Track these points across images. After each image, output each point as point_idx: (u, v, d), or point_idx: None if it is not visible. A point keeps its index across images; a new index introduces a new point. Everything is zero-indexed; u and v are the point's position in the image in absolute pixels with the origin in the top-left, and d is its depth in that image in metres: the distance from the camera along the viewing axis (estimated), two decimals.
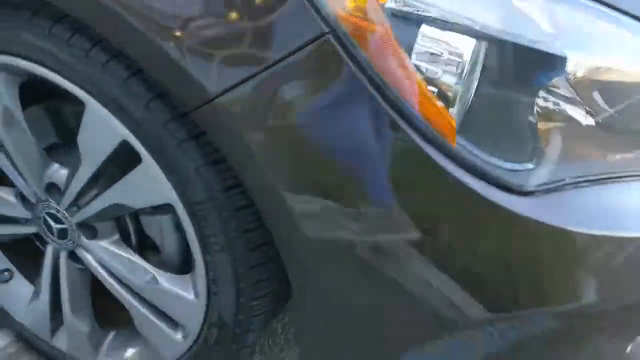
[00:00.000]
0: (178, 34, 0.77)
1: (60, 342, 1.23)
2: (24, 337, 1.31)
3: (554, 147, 0.80)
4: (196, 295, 1.01)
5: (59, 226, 1.08)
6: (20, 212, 1.12)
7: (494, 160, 0.77)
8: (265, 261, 0.96)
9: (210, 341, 1.04)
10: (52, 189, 1.05)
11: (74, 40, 0.88)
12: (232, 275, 0.95)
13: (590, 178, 0.81)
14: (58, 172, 1.04)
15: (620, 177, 0.83)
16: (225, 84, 0.76)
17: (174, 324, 1.08)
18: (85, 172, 0.97)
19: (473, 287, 0.81)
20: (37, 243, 1.20)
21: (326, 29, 0.72)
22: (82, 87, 0.90)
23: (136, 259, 1.06)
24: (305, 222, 0.81)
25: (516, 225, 0.77)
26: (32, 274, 1.26)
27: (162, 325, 1.08)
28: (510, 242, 0.79)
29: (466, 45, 0.73)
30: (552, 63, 0.74)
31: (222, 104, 0.77)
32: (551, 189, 0.80)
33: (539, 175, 0.80)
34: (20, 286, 1.27)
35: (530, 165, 0.79)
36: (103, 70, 0.87)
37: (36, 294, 1.21)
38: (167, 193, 0.92)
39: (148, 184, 0.93)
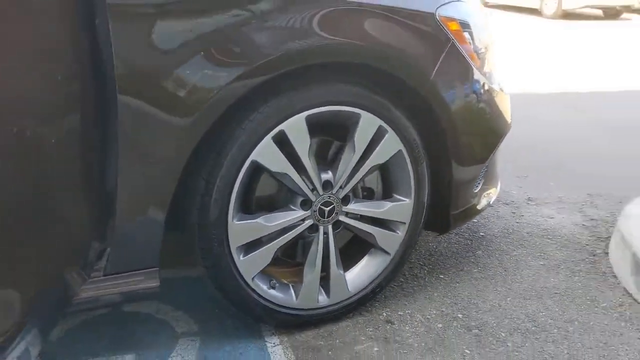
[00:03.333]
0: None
1: (322, 298, 1.82)
2: (285, 324, 1.81)
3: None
4: (409, 197, 1.87)
5: (329, 208, 1.75)
6: (301, 215, 1.72)
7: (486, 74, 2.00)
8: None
9: (418, 221, 1.91)
10: (324, 186, 1.73)
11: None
12: (427, 173, 1.87)
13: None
14: (327, 173, 1.73)
15: None
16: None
17: (394, 231, 1.88)
18: (356, 156, 1.73)
19: None
20: (307, 233, 1.76)
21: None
22: (358, 107, 1.70)
23: (374, 200, 1.85)
24: None
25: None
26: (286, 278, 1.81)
27: (391, 233, 1.88)
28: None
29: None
30: None
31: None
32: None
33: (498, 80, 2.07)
34: (283, 288, 1.78)
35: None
36: (371, 98, 1.71)
37: (307, 274, 1.77)
38: (397, 145, 1.79)
39: (389, 145, 1.77)
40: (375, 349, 1.77)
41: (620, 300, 2.07)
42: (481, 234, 2.55)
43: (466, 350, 1.78)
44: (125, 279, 1.55)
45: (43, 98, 1.29)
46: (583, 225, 2.68)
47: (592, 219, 2.74)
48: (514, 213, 2.78)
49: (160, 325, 1.84)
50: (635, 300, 2.06)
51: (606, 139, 4.06)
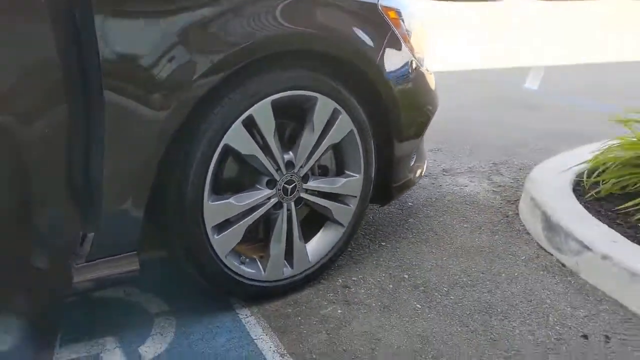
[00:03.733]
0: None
1: (287, 270, 1.94)
2: (254, 296, 1.92)
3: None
4: (359, 173, 2.03)
5: (291, 186, 1.87)
6: (267, 193, 1.82)
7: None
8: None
9: (366, 194, 2.07)
10: (287, 165, 1.84)
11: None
12: (375, 149, 2.04)
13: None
14: (288, 154, 1.85)
15: None
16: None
17: (347, 204, 2.04)
18: (315, 136, 1.86)
19: None
20: (272, 210, 1.86)
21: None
22: (315, 91, 1.82)
23: (330, 177, 1.99)
24: None
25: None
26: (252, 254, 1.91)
27: (344, 206, 2.03)
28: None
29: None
30: None
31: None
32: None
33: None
34: (251, 263, 1.88)
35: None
36: (327, 82, 1.83)
37: (274, 249, 1.88)
38: (350, 125, 1.93)
39: (343, 126, 1.91)
40: (339, 311, 1.93)
41: (536, 253, 2.36)
42: (409, 204, 2.77)
43: (417, 305, 1.98)
44: (107, 264, 1.59)
45: (30, 93, 1.31)
46: (493, 190, 2.98)
47: (499, 185, 3.05)
48: (433, 184, 3.03)
49: (133, 308, 1.88)
50: (548, 252, 2.36)
51: (501, 112, 4.45)
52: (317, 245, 2.03)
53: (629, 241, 2.19)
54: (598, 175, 2.69)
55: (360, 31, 1.87)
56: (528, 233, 2.52)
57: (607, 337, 1.84)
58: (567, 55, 7.55)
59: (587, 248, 2.17)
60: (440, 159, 3.39)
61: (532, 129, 4.05)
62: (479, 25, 9.70)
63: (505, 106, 4.67)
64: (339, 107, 1.88)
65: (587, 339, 1.83)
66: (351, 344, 1.77)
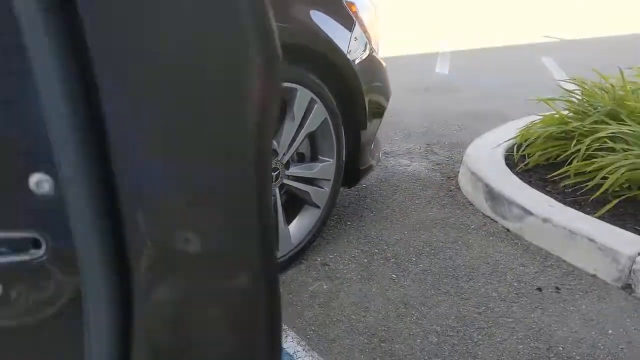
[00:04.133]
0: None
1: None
2: None
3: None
4: (333, 158, 2.17)
5: (275, 173, 1.98)
6: None
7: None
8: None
9: (339, 177, 2.21)
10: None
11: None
12: (343, 134, 2.18)
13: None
14: (272, 143, 1.95)
15: None
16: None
17: (322, 187, 2.17)
18: (295, 125, 1.98)
19: None
20: None
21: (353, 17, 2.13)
22: (297, 83, 1.94)
23: (308, 162, 2.11)
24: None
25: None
26: None
27: (320, 189, 2.16)
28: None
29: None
30: None
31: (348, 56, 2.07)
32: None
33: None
34: None
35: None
36: (305, 74, 1.95)
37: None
38: (324, 114, 2.07)
39: (318, 114, 2.05)
40: (325, 286, 2.07)
41: (482, 221, 2.61)
42: (364, 185, 2.95)
43: (393, 275, 2.16)
44: None
45: None
46: (433, 169, 3.22)
47: (437, 164, 3.30)
48: (379, 166, 3.22)
49: None
50: (493, 220, 2.62)
51: (420, 97, 4.73)
52: (298, 227, 2.15)
53: (562, 205, 2.48)
54: (525, 149, 2.99)
55: (333, 25, 2.00)
56: (472, 204, 2.77)
57: (557, 288, 2.11)
58: (468, 40, 8.04)
59: (529, 213, 2.43)
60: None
61: (453, 111, 4.35)
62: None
63: (423, 91, 4.96)
64: (315, 97, 2.01)
65: (541, 291, 2.09)
66: (343, 314, 1.92)
